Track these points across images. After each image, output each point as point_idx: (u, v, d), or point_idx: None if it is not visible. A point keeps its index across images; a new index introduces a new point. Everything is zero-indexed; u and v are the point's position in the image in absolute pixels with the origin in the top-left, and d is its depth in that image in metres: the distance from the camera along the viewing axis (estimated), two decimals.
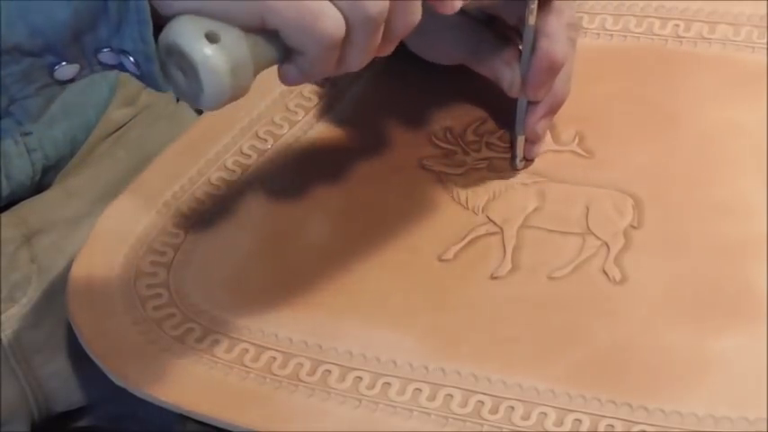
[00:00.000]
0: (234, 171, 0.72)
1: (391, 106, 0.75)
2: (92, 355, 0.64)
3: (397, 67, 0.74)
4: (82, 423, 0.78)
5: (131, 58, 0.53)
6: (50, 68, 0.53)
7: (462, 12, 0.59)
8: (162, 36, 0.53)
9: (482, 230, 0.67)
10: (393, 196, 0.70)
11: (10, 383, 0.74)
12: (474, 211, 0.69)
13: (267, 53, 0.54)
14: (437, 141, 0.73)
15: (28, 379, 0.75)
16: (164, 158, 0.74)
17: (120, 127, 0.84)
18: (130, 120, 0.85)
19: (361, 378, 0.61)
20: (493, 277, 0.65)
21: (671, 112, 0.72)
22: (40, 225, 0.78)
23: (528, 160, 0.71)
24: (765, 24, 0.76)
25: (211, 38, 0.52)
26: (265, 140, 0.74)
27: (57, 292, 0.71)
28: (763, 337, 0.61)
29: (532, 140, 0.70)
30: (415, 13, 0.56)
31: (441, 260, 0.66)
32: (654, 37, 0.77)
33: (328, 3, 0.53)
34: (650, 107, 0.73)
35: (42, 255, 0.78)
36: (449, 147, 0.72)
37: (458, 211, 0.69)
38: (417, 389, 0.61)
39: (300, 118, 0.75)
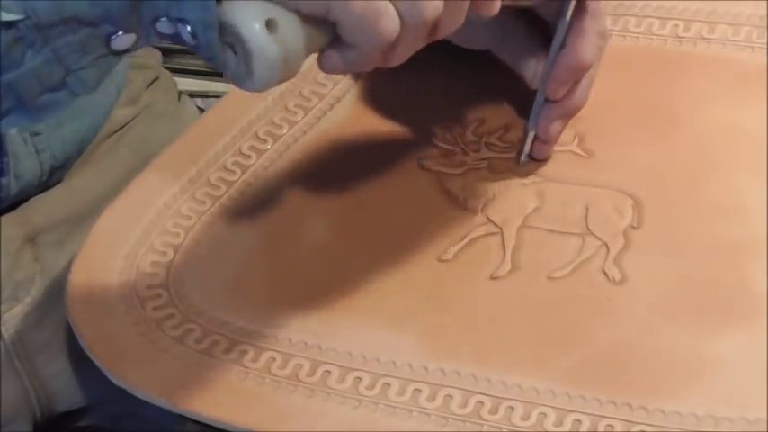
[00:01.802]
0: (233, 171, 0.72)
1: (390, 106, 0.75)
2: (91, 356, 0.64)
3: (396, 68, 0.74)
4: (83, 423, 0.78)
5: (188, 28, 0.52)
6: (107, 38, 0.53)
7: None
8: (220, 13, 0.52)
9: (481, 231, 0.67)
10: (392, 196, 0.70)
11: (13, 383, 0.75)
12: (473, 212, 0.68)
13: (319, 40, 0.54)
14: (436, 141, 0.73)
15: (30, 379, 0.75)
16: (163, 159, 0.74)
17: (123, 126, 0.84)
18: (133, 119, 0.85)
19: (360, 378, 0.61)
20: (492, 277, 0.65)
21: (670, 112, 0.72)
22: (43, 224, 0.78)
23: (535, 159, 0.70)
24: (765, 24, 0.76)
25: (270, 26, 0.52)
26: (265, 141, 0.74)
27: (60, 291, 0.71)
28: (762, 336, 0.61)
29: (543, 140, 0.70)
30: (462, 15, 0.57)
31: (440, 260, 0.66)
32: (653, 37, 0.77)
33: (389, 3, 0.54)
34: (650, 107, 0.72)
35: (46, 254, 0.78)
36: (448, 147, 0.72)
37: (457, 212, 0.69)
38: (417, 389, 0.61)
39: (300, 118, 0.75)
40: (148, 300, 0.66)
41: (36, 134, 0.77)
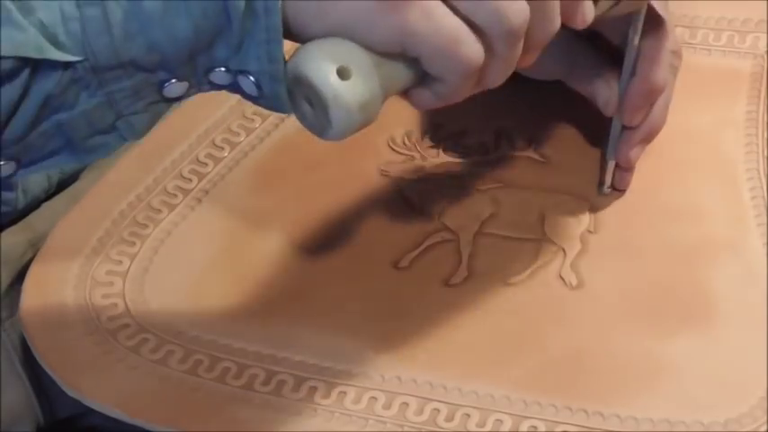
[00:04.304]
0: (190, 180, 0.72)
1: None
2: (45, 366, 0.63)
3: None
4: (85, 424, 0.78)
5: (252, 79, 0.52)
6: (160, 85, 0.53)
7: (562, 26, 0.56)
8: (291, 63, 0.51)
9: (438, 237, 0.67)
10: (351, 203, 0.70)
11: (15, 388, 0.74)
12: (430, 218, 0.68)
13: (400, 79, 0.53)
14: (394, 147, 0.73)
15: (33, 384, 0.74)
16: (120, 167, 0.73)
17: None
18: None
19: (316, 387, 0.61)
20: (449, 284, 0.65)
21: None
22: (45, 230, 0.77)
23: (616, 189, 0.68)
24: (721, 27, 0.77)
25: (343, 73, 0.50)
26: (222, 148, 0.73)
27: None
28: (716, 339, 0.61)
29: (625, 167, 0.68)
30: (555, 19, 0.54)
31: (396, 268, 0.66)
32: None
33: (467, 27, 0.51)
34: None
35: None
36: (406, 153, 0.72)
37: (414, 218, 0.69)
38: (373, 397, 0.60)
39: (257, 125, 0.75)
40: (103, 309, 0.65)
41: None
